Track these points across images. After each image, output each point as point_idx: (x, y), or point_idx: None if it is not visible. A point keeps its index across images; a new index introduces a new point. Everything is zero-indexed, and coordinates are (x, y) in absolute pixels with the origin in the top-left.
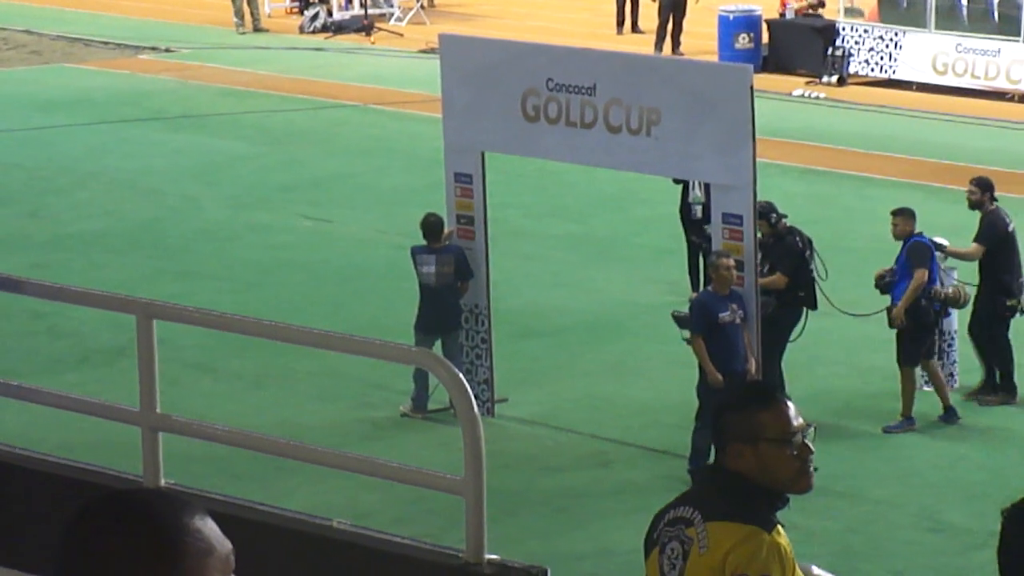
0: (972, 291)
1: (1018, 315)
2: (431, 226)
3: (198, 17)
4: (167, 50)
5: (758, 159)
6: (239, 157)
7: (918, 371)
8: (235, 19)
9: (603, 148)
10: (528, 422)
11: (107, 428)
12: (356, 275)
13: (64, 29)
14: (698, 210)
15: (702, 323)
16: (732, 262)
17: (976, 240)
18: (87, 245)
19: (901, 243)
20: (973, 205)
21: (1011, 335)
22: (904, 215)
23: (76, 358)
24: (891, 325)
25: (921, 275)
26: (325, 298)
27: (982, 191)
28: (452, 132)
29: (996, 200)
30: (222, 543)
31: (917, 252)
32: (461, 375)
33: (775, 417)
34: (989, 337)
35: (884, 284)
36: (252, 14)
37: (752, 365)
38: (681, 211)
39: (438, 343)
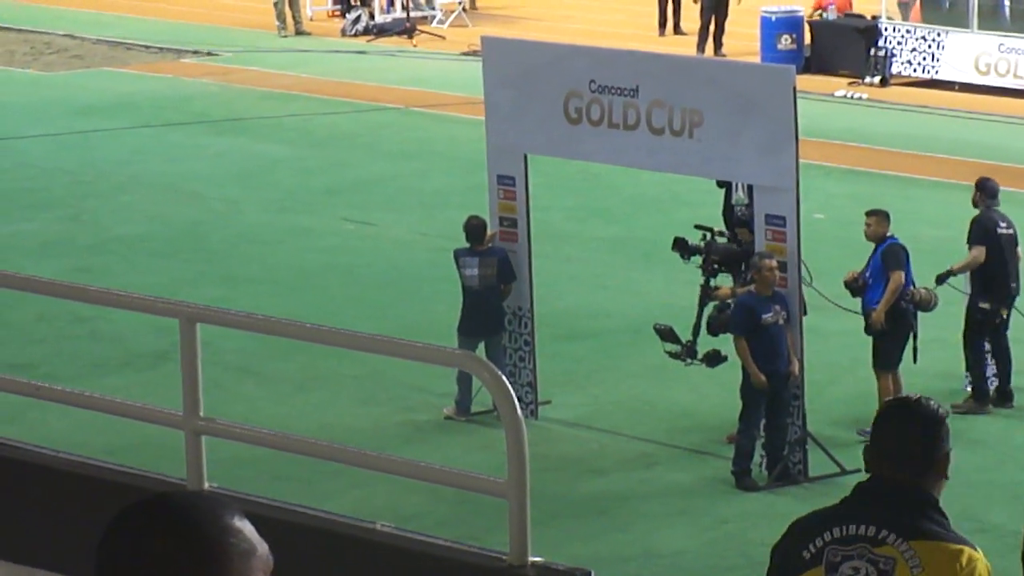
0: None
1: (998, 320)
2: (474, 229)
3: (240, 20)
4: (209, 54)
5: (801, 160)
6: (281, 160)
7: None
8: (277, 22)
9: (646, 150)
10: (572, 424)
11: (150, 432)
12: (399, 278)
13: (105, 33)
14: (741, 211)
15: (746, 324)
16: (775, 263)
17: (970, 244)
18: (129, 249)
19: (873, 245)
20: (974, 205)
21: (992, 344)
22: (878, 216)
23: (119, 362)
24: (869, 330)
25: (898, 277)
26: (368, 301)
27: (976, 190)
28: (495, 134)
29: (992, 200)
30: (261, 543)
31: (892, 254)
32: (504, 377)
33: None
34: (966, 342)
35: (857, 287)
36: (294, 17)
37: (795, 366)
38: (724, 213)
39: (481, 346)
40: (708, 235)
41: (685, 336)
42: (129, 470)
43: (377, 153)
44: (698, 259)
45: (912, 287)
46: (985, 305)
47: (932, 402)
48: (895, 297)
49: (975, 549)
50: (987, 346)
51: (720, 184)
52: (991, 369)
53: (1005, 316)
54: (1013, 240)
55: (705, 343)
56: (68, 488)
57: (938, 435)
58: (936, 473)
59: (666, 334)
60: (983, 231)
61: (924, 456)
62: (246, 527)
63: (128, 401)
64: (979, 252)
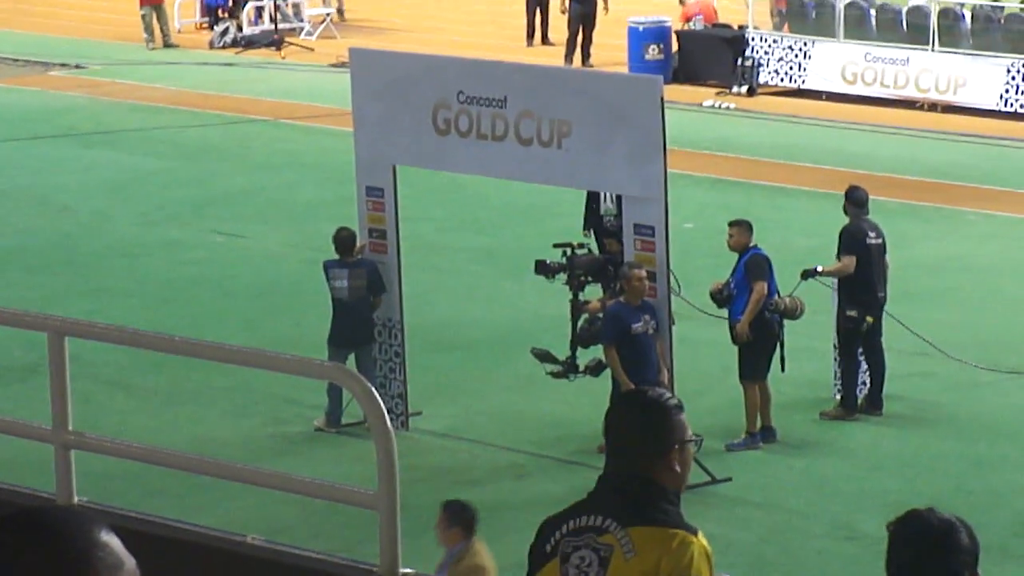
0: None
1: (864, 327)
2: (343, 240)
3: (108, 33)
4: (77, 66)
5: (670, 170)
6: (151, 173)
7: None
8: (145, 35)
9: (515, 161)
10: (442, 435)
11: (20, 447)
12: (269, 290)
13: None
14: (610, 222)
15: (615, 333)
16: (644, 273)
17: (840, 253)
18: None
19: (737, 255)
20: (845, 213)
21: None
22: (741, 227)
23: None
24: (735, 341)
25: (761, 288)
26: (238, 313)
27: (845, 200)
28: (363, 146)
29: (860, 210)
30: (129, 558)
31: (755, 265)
32: (374, 389)
33: (685, 418)
34: (839, 350)
35: (722, 298)
36: (162, 30)
37: (665, 376)
38: (586, 221)
39: (352, 357)
40: (569, 250)
41: (563, 353)
42: None
43: (247, 165)
44: (563, 276)
45: (776, 296)
46: (852, 313)
47: (661, 393)
48: (759, 307)
49: (695, 534)
50: (860, 353)
51: (589, 194)
52: (861, 377)
53: (871, 323)
54: (882, 249)
55: (583, 356)
56: None
57: (664, 425)
58: (667, 462)
59: (544, 356)
60: (852, 240)
61: (649, 446)
62: (113, 541)
63: None
64: (849, 261)
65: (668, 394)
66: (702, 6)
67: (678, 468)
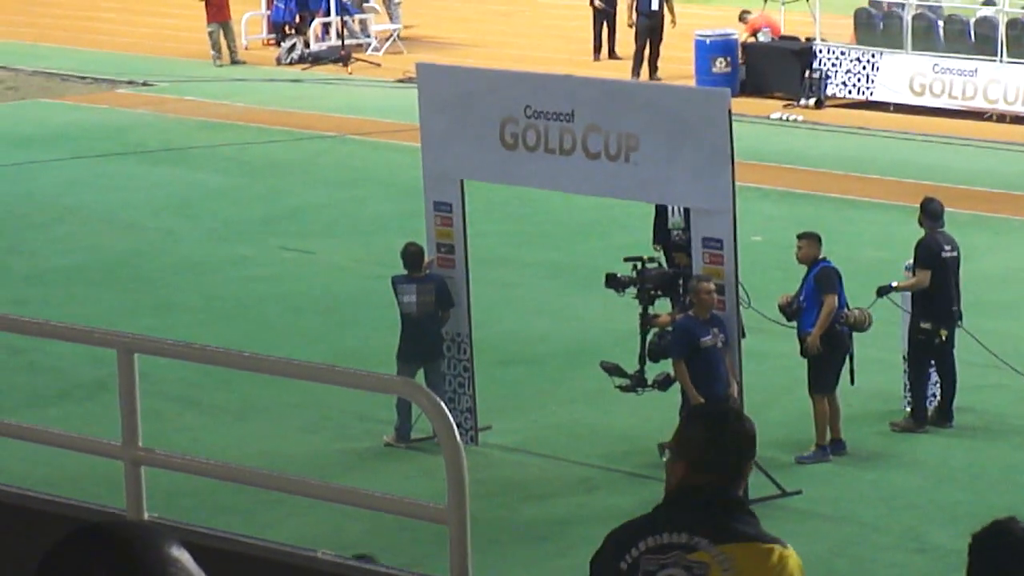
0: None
1: (936, 341)
2: (412, 255)
3: (175, 50)
4: (144, 84)
5: (737, 183)
6: (218, 189)
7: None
8: (212, 51)
9: (582, 175)
10: (511, 449)
11: (90, 463)
12: (337, 305)
13: (41, 64)
14: (678, 235)
15: (684, 347)
16: (713, 286)
17: (916, 267)
18: (67, 280)
19: (806, 268)
20: (920, 225)
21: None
22: (810, 239)
23: (57, 393)
24: (805, 353)
25: (832, 300)
26: (306, 329)
27: (920, 212)
28: (431, 161)
29: (935, 222)
30: (200, 573)
31: (825, 278)
32: (443, 404)
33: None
34: (909, 362)
35: (791, 311)
36: (229, 46)
37: (734, 388)
38: (656, 235)
39: (421, 372)
40: (639, 264)
41: (631, 367)
42: (69, 501)
43: (314, 181)
44: (633, 290)
45: (846, 309)
46: (926, 326)
47: (739, 410)
48: (829, 321)
49: (786, 547)
50: (932, 366)
51: (657, 208)
52: (931, 389)
53: (945, 337)
54: (957, 263)
55: (651, 370)
56: (7, 520)
57: (754, 442)
58: (744, 477)
59: (613, 370)
60: (928, 254)
61: (742, 463)
62: (184, 556)
63: (67, 432)
64: (924, 276)
65: (735, 408)
66: (767, 20)
67: (744, 480)
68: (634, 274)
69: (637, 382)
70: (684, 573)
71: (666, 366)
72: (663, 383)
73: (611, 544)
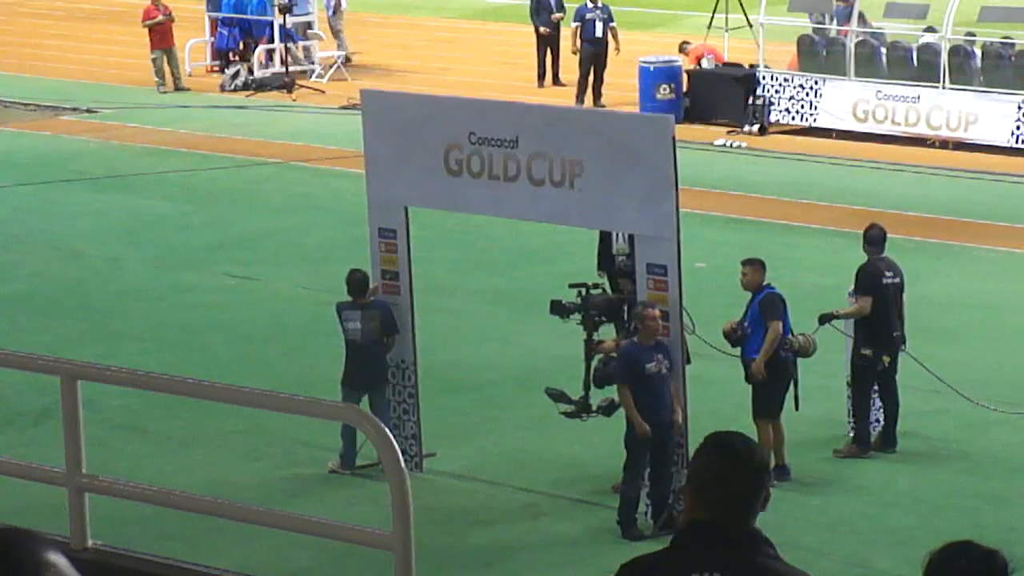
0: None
1: (879, 367)
2: (356, 282)
3: (119, 77)
4: (88, 111)
5: (682, 209)
6: (163, 216)
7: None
8: (156, 78)
9: (527, 201)
10: (457, 476)
11: (33, 490)
12: (282, 332)
13: None
14: (622, 261)
15: (629, 373)
16: (658, 312)
17: (856, 293)
18: (11, 308)
19: (751, 294)
20: (864, 251)
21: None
22: (754, 265)
23: (1, 421)
24: (750, 379)
25: (776, 327)
26: (251, 356)
27: (863, 238)
28: (375, 187)
29: (876, 248)
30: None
31: (770, 304)
32: (388, 430)
33: None
34: (852, 387)
35: (736, 337)
36: (173, 73)
37: (679, 415)
38: (600, 261)
39: (365, 399)
40: (584, 291)
41: (576, 393)
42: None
43: (259, 208)
44: (578, 316)
45: (790, 335)
46: (867, 352)
47: (752, 442)
48: (774, 347)
49: None
50: (875, 391)
51: (602, 235)
52: (875, 414)
53: (887, 363)
54: (898, 289)
55: (596, 397)
56: None
57: (768, 476)
58: (756, 508)
59: (558, 396)
60: (869, 280)
61: (758, 499)
62: (61, 561)
63: (10, 459)
64: (865, 303)
65: (752, 440)
66: (708, 48)
67: (765, 510)
68: (579, 300)
69: (582, 408)
70: None
71: (610, 392)
72: (607, 409)
73: None
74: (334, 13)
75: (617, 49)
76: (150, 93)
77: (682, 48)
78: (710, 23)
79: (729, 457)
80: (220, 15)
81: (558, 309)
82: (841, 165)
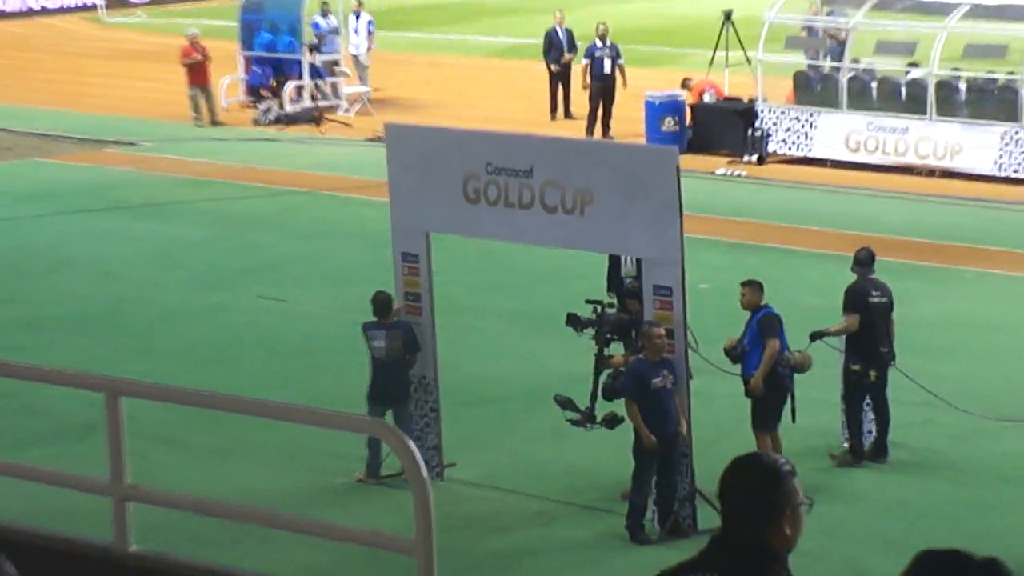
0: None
1: (867, 381)
2: (381, 303)
3: (158, 112)
4: (130, 144)
5: (685, 234)
6: (198, 242)
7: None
8: (193, 114)
9: (540, 227)
10: (475, 485)
11: (79, 499)
12: (310, 350)
13: (34, 126)
14: (630, 283)
15: (636, 389)
16: (663, 331)
17: (844, 311)
18: (60, 327)
19: (750, 313)
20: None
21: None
22: (753, 287)
23: (50, 434)
24: (749, 394)
25: (773, 345)
26: (282, 373)
27: (852, 261)
28: (399, 214)
29: (864, 269)
30: None
31: (768, 323)
32: (411, 442)
33: (798, 481)
34: (845, 401)
35: (736, 354)
36: (209, 109)
37: (683, 427)
38: (609, 283)
39: (390, 413)
40: (599, 308)
41: (583, 403)
42: (55, 534)
43: (288, 233)
44: (591, 331)
45: (787, 352)
46: (856, 367)
47: (776, 459)
48: (771, 363)
49: None
50: (868, 404)
51: (611, 258)
52: (868, 426)
53: (874, 377)
54: (886, 308)
55: (602, 408)
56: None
57: (778, 491)
58: (779, 526)
59: (566, 404)
60: (856, 299)
61: (764, 511)
62: (11, 571)
63: (56, 470)
64: (852, 320)
65: (782, 459)
66: (710, 83)
67: (789, 531)
68: (594, 316)
69: (587, 418)
70: None
71: (617, 405)
72: (610, 422)
73: None
74: (365, 52)
75: (624, 84)
76: (187, 127)
77: (685, 84)
78: (711, 60)
79: (731, 467)
80: (253, 54)
81: (573, 322)
82: (835, 193)
